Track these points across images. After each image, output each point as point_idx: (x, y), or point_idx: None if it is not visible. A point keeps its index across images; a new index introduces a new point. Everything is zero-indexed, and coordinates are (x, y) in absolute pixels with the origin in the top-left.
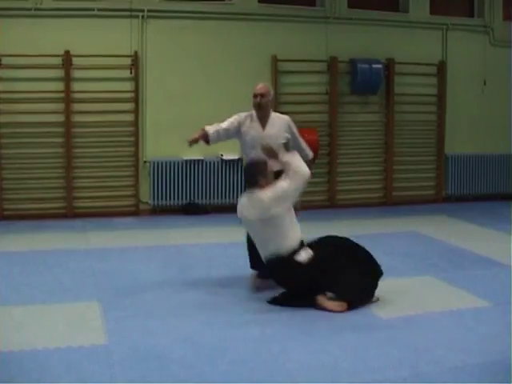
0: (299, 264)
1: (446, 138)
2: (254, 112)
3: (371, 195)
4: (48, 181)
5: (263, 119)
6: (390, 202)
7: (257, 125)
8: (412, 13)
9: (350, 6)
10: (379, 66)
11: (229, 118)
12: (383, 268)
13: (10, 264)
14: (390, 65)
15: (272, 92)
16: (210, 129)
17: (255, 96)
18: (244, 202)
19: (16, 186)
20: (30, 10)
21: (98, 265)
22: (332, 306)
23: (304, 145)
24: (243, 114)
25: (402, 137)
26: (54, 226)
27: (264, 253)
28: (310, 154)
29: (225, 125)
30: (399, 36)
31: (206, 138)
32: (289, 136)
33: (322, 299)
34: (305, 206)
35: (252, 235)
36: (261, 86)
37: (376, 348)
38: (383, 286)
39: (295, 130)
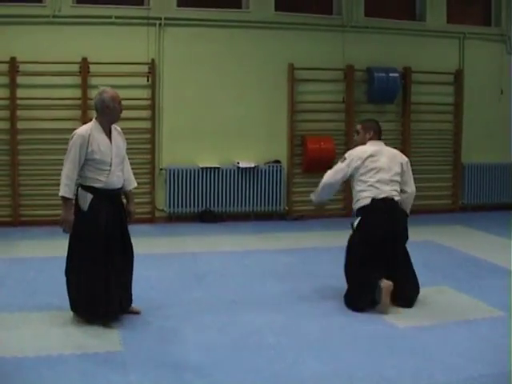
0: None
1: (463, 147)
2: None
3: None
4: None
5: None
6: None
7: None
8: (429, 21)
9: (367, 14)
10: (396, 74)
11: (243, 125)
12: None
13: (25, 270)
14: (406, 73)
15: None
16: None
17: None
18: None
19: (32, 192)
20: (48, 17)
21: None
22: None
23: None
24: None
25: (418, 146)
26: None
27: None
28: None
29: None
30: (416, 45)
31: None
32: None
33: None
34: (321, 215)
35: None
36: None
37: (392, 357)
38: None
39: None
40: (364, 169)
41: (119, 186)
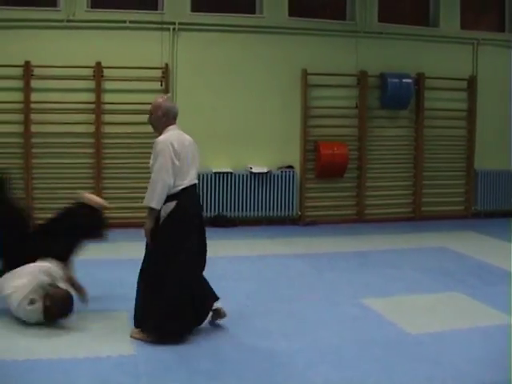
0: None
1: (476, 154)
2: None
3: (400, 210)
4: (78, 191)
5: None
6: (418, 217)
7: None
8: (442, 27)
9: (381, 20)
10: (409, 80)
11: (256, 130)
12: (411, 283)
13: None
14: (420, 79)
15: (165, 106)
16: None
17: None
18: None
19: (46, 195)
20: (62, 21)
21: (127, 276)
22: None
23: (150, 179)
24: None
25: (431, 152)
26: None
27: None
28: (147, 200)
29: None
30: (429, 50)
31: None
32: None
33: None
34: (334, 220)
35: None
36: (153, 102)
37: (403, 363)
38: (411, 302)
39: (155, 154)
40: None
41: None
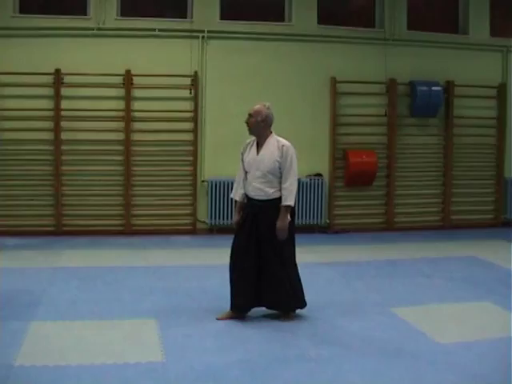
0: None
1: (506, 162)
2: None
3: (429, 218)
4: (107, 198)
5: (259, 142)
6: (447, 225)
7: (254, 149)
8: (472, 35)
9: (410, 27)
10: (438, 88)
11: (285, 138)
12: (441, 292)
13: (68, 279)
14: (449, 87)
15: (266, 113)
16: (238, 196)
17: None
18: None
19: (75, 202)
20: (92, 29)
21: (155, 282)
22: None
23: (289, 182)
24: (246, 143)
25: (460, 160)
26: (112, 242)
27: None
28: (289, 200)
29: (239, 177)
30: (459, 58)
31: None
32: (279, 160)
33: None
34: (362, 228)
35: None
36: (255, 106)
37: (433, 373)
38: (441, 311)
39: (290, 159)
40: None
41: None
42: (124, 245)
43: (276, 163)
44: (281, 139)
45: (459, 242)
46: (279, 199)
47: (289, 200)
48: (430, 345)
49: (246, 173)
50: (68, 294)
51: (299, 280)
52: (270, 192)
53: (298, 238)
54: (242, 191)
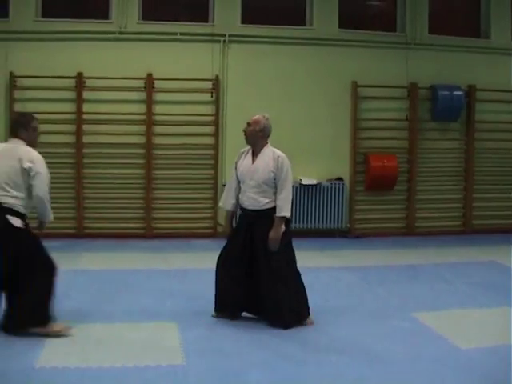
0: None
1: None
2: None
3: (450, 223)
4: (128, 201)
5: (255, 152)
6: (468, 230)
7: (248, 158)
8: (494, 39)
9: (431, 31)
10: (460, 92)
11: (306, 142)
12: (462, 297)
13: (89, 282)
14: (470, 91)
15: (264, 124)
16: (229, 205)
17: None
18: None
19: (97, 205)
20: (114, 33)
21: (176, 285)
22: None
23: (284, 193)
24: (240, 152)
25: (482, 165)
26: (132, 245)
27: None
28: (285, 211)
29: (230, 185)
30: (480, 62)
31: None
32: (274, 171)
33: None
34: (383, 233)
35: None
36: (254, 116)
37: (454, 379)
38: (462, 316)
39: (285, 170)
40: None
41: (249, 206)
42: (145, 248)
43: (271, 174)
44: (276, 150)
45: (480, 247)
46: (273, 210)
47: (284, 211)
48: (451, 350)
49: (238, 182)
50: (89, 296)
51: (301, 292)
52: (264, 202)
53: (319, 242)
54: (233, 201)
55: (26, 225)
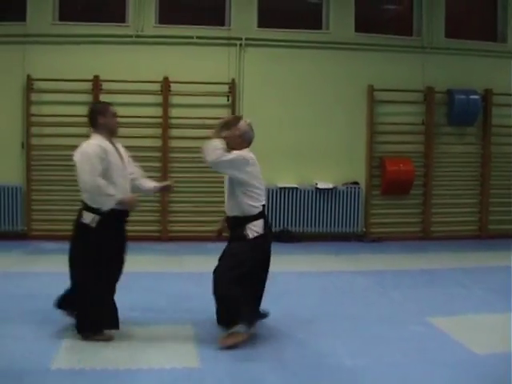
0: None
1: None
2: None
3: (466, 228)
4: (144, 204)
5: None
6: (484, 235)
7: None
8: (510, 43)
9: (448, 35)
10: (476, 96)
11: (322, 146)
12: (478, 302)
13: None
14: (487, 96)
15: (244, 129)
16: None
17: None
18: None
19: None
20: (131, 36)
21: (191, 289)
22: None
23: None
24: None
25: (498, 169)
26: (148, 248)
27: None
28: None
29: None
30: (497, 66)
31: None
32: None
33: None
34: (399, 237)
35: None
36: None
37: (470, 383)
38: (478, 321)
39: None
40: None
41: None
42: (160, 251)
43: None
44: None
45: (496, 252)
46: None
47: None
48: (467, 355)
49: None
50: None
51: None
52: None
53: (335, 245)
54: None
55: (100, 221)
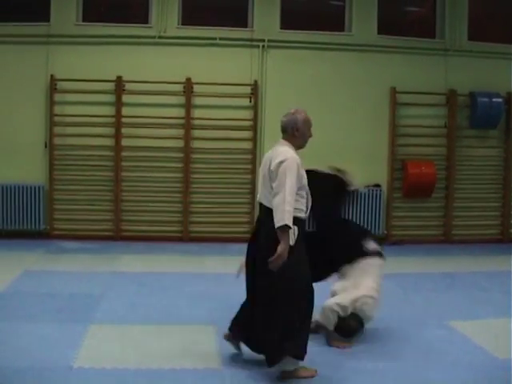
0: None
1: None
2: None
3: (488, 231)
4: (166, 204)
5: None
6: (506, 239)
7: None
8: None
9: (471, 38)
10: (499, 99)
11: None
12: (500, 306)
13: (127, 284)
14: (510, 98)
15: None
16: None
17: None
18: None
19: (134, 208)
20: (153, 37)
21: (213, 289)
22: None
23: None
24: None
25: None
26: (170, 248)
27: None
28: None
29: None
30: None
31: None
32: None
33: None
34: (420, 240)
35: None
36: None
37: None
38: (499, 326)
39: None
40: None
41: None
42: (181, 251)
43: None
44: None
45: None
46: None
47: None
48: (488, 359)
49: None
50: (126, 298)
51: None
52: None
53: None
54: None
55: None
